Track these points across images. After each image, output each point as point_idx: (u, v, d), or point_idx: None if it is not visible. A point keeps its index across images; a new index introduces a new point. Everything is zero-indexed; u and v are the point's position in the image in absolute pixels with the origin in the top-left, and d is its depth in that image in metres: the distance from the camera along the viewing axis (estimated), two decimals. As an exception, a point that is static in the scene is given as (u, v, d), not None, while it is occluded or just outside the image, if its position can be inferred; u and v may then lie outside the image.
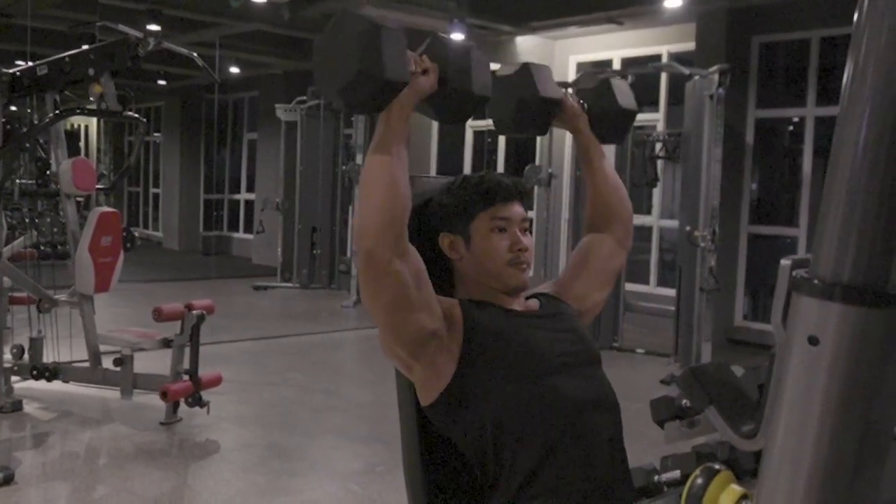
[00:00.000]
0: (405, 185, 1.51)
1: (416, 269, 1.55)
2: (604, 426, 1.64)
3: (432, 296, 1.60)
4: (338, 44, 1.43)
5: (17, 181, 5.38)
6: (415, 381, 1.66)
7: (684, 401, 1.56)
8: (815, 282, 0.98)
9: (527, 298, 1.81)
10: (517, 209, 1.75)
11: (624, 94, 1.98)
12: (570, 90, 2.01)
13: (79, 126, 16.57)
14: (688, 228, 6.66)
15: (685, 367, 6.54)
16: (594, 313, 1.94)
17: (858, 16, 0.97)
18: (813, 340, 0.98)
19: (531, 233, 1.81)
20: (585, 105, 1.97)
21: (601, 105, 1.97)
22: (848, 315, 0.96)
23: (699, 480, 1.19)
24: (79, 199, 5.40)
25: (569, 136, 8.95)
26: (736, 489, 1.19)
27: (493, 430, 1.57)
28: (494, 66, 1.78)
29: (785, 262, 1.04)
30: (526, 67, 1.84)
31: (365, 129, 10.64)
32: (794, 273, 1.02)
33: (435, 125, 11.45)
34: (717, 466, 1.22)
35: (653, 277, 9.14)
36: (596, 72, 2.12)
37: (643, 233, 9.13)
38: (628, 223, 1.99)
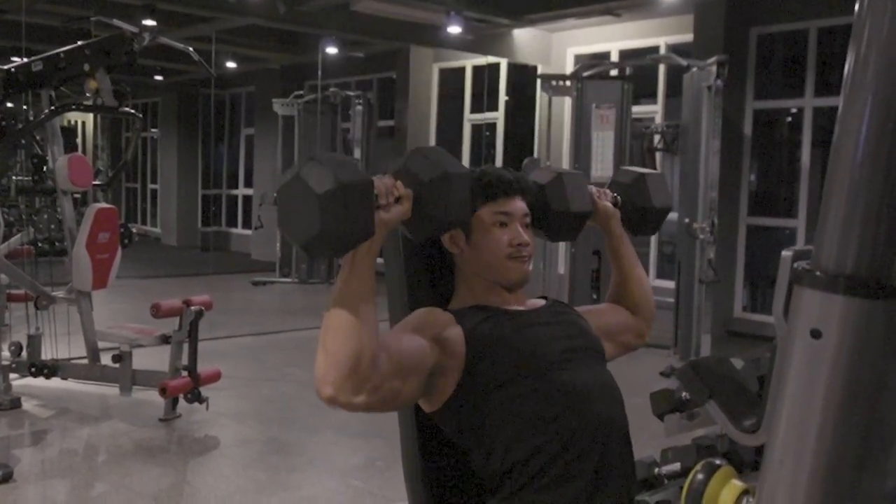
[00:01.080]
0: (370, 334, 1.39)
1: (393, 372, 1.45)
2: (611, 418, 1.63)
3: (419, 351, 1.53)
4: (300, 196, 1.34)
5: (14, 178, 5.37)
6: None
7: (684, 393, 1.55)
8: (818, 274, 0.97)
9: (534, 299, 1.80)
10: (518, 204, 1.73)
11: (659, 190, 1.95)
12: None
13: (75, 122, 16.52)
14: (686, 220, 6.65)
15: (685, 359, 6.54)
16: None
17: (860, 6, 0.96)
18: (815, 333, 0.97)
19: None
20: (618, 200, 1.95)
21: (635, 202, 1.94)
22: (851, 307, 0.95)
23: (700, 476, 1.18)
24: (76, 195, 5.38)
25: (567, 130, 8.92)
26: (737, 485, 1.18)
27: (499, 429, 1.57)
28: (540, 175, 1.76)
29: (786, 253, 1.03)
30: (559, 179, 1.80)
31: (362, 124, 10.64)
32: (795, 265, 1.01)
33: (433, 118, 11.45)
34: (717, 461, 1.21)
35: (652, 269, 9.13)
36: (632, 169, 2.11)
37: (642, 225, 9.11)
38: (651, 321, 2.00)
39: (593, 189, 1.92)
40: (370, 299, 1.42)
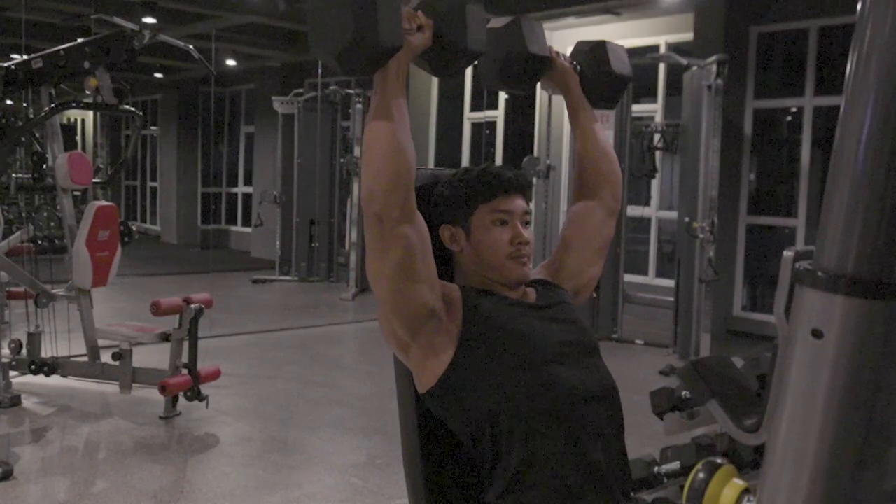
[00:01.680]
0: (408, 144, 1.51)
1: (422, 237, 1.56)
2: (602, 416, 1.63)
3: (435, 272, 1.60)
4: (332, 8, 1.42)
5: (14, 175, 5.37)
6: (412, 366, 1.65)
7: (684, 392, 1.55)
8: (819, 274, 0.97)
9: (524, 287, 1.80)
10: (519, 202, 1.74)
11: (619, 58, 1.96)
12: (562, 51, 1.99)
13: (75, 120, 16.52)
14: (686, 219, 6.65)
15: (684, 358, 6.55)
16: (590, 289, 1.93)
17: (862, 7, 0.96)
18: (817, 333, 0.97)
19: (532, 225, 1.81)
20: (578, 66, 1.96)
21: (594, 68, 1.95)
22: (852, 307, 0.95)
23: (701, 475, 1.19)
24: (75, 193, 5.38)
25: (567, 128, 8.92)
26: (738, 483, 1.18)
27: (490, 417, 1.57)
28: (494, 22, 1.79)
29: (788, 253, 1.03)
30: (517, 21, 1.83)
31: (362, 122, 10.63)
32: (797, 265, 1.01)
33: (433, 117, 11.44)
34: (719, 461, 1.21)
35: (652, 268, 9.14)
36: (590, 40, 2.13)
37: (642, 224, 9.12)
38: (617, 187, 1.98)
39: (551, 47, 1.92)
40: (404, 119, 1.52)
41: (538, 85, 1.97)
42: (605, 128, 7.12)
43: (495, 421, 1.57)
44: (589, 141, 1.96)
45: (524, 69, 1.84)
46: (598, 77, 1.95)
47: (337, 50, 1.42)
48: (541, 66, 1.87)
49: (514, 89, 1.92)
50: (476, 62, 1.69)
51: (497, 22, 1.85)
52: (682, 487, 1.59)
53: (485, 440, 1.58)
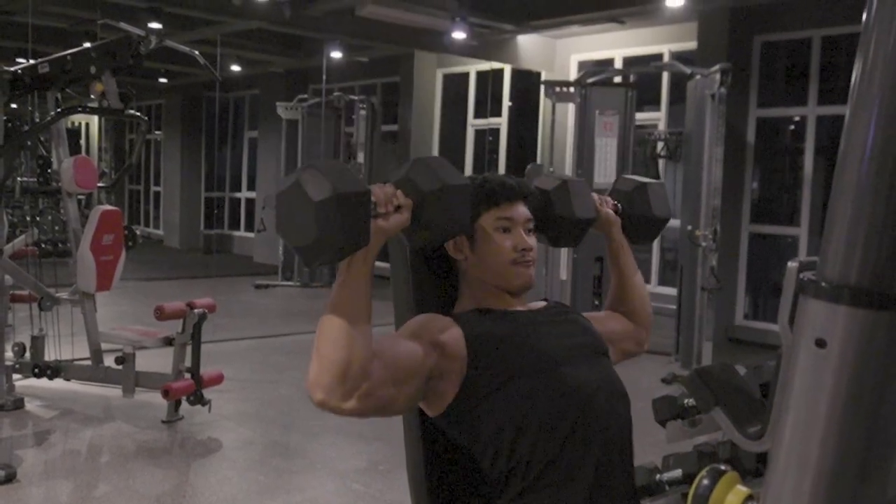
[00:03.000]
0: (362, 341, 1.41)
1: (386, 378, 1.46)
2: (615, 416, 1.65)
3: (414, 361, 1.54)
4: (298, 203, 1.35)
5: (19, 179, 5.38)
6: (422, 405, 1.67)
7: (686, 400, 1.56)
8: (823, 284, 0.98)
9: (536, 301, 1.82)
10: (521, 210, 1.75)
11: (659, 200, 1.99)
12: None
13: (80, 124, 16.55)
14: (689, 228, 6.66)
15: (686, 365, 6.55)
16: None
17: (867, 15, 0.96)
18: (820, 343, 0.98)
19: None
20: (620, 207, 1.99)
21: (636, 211, 1.98)
22: (855, 317, 0.96)
23: (705, 481, 1.19)
24: (80, 197, 5.39)
25: (570, 136, 8.91)
26: (742, 490, 1.19)
27: (505, 429, 1.58)
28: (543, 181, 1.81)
29: (792, 264, 1.04)
30: (564, 186, 1.84)
31: (366, 128, 10.66)
32: (801, 275, 1.02)
33: (437, 123, 11.46)
34: (723, 467, 1.22)
35: (654, 276, 9.14)
36: (632, 178, 2.15)
37: (644, 232, 9.11)
38: (649, 327, 2.05)
39: (595, 196, 1.95)
40: (365, 308, 1.44)
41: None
42: (608, 136, 7.14)
43: (509, 433, 1.57)
44: (627, 286, 2.02)
45: (573, 230, 1.87)
46: (640, 220, 1.99)
47: (300, 244, 1.37)
48: (588, 225, 1.90)
49: (562, 245, 1.96)
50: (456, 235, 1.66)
51: (545, 182, 1.85)
52: (684, 495, 1.60)
53: (502, 449, 1.58)
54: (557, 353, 1.65)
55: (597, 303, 7.16)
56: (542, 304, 1.82)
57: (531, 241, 1.74)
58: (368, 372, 1.42)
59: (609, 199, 2.00)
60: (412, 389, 1.54)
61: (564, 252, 7.68)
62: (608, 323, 1.96)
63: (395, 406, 1.53)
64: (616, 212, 1.97)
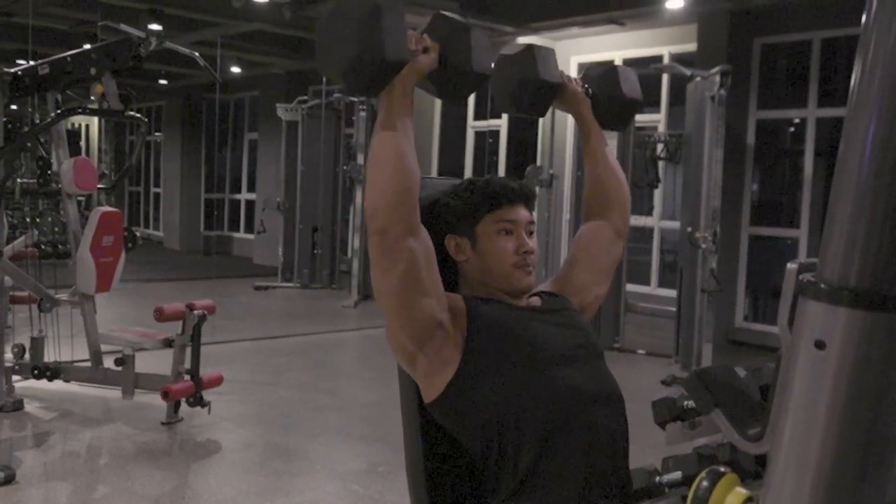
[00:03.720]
0: (413, 161, 1.53)
1: (427, 251, 1.57)
2: (608, 419, 1.65)
3: (440, 284, 1.61)
4: (338, 25, 1.45)
5: (19, 180, 5.37)
6: (418, 377, 1.66)
7: (686, 402, 1.56)
8: (822, 286, 0.98)
9: (528, 297, 1.82)
10: (523, 212, 1.76)
11: (629, 82, 2.00)
12: (575, 75, 2.04)
13: (80, 125, 16.56)
14: (689, 229, 6.66)
15: (686, 367, 6.55)
16: (595, 307, 1.95)
17: (867, 17, 0.97)
18: (819, 344, 0.98)
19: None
20: (590, 90, 2.00)
21: (605, 92, 1.99)
22: (854, 319, 0.96)
23: (704, 483, 1.19)
24: (80, 198, 5.40)
25: (570, 138, 8.94)
26: (741, 492, 1.19)
27: (497, 421, 1.58)
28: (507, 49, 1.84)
29: (791, 265, 1.04)
30: (529, 49, 1.87)
31: (366, 129, 10.66)
32: (800, 277, 1.02)
33: (436, 127, 11.47)
34: (722, 469, 1.22)
35: (654, 278, 9.14)
36: (605, 63, 2.21)
37: (644, 234, 9.13)
38: (626, 210, 2.01)
39: (563, 72, 1.97)
40: (410, 138, 1.54)
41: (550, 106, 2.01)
42: (608, 138, 7.14)
43: (503, 426, 1.58)
44: (599, 164, 2.00)
45: (536, 95, 1.88)
46: (609, 101, 1.99)
47: (343, 66, 1.45)
48: (553, 91, 1.91)
49: (527, 114, 1.96)
50: (482, 86, 1.71)
51: (510, 49, 1.89)
52: (683, 497, 1.60)
53: (492, 447, 1.59)
54: (552, 354, 1.66)
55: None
56: (538, 300, 1.82)
57: (532, 243, 1.75)
58: (417, 207, 1.54)
59: (578, 80, 2.01)
60: (435, 299, 1.59)
61: (564, 248, 7.69)
62: (585, 252, 1.94)
63: (421, 285, 1.56)
64: (587, 94, 1.99)
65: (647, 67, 7.98)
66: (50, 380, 5.13)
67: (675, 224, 8.22)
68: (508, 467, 1.58)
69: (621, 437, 1.67)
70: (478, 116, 11.05)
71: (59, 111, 5.12)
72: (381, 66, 1.46)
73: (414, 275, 1.54)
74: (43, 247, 5.53)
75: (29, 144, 5.24)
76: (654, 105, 9.18)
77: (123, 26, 5.17)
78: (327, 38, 1.48)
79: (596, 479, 1.58)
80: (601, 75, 2.01)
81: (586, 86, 2.00)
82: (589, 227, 1.98)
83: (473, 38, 1.60)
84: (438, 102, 11.50)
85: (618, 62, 9.34)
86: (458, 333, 1.62)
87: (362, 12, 1.43)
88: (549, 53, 1.90)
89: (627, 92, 1.99)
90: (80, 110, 5.61)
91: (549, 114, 8.54)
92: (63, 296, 5.25)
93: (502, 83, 1.85)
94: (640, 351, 7.36)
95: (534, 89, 1.86)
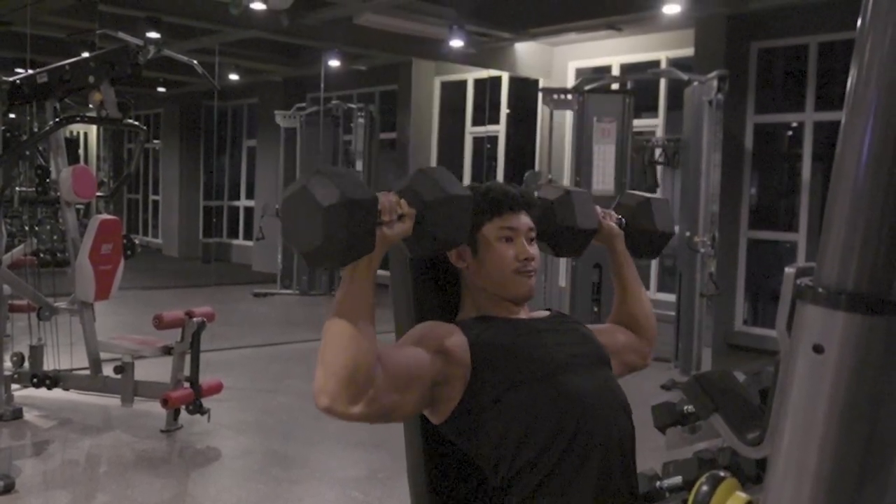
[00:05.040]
0: (367, 347, 1.42)
1: (390, 384, 1.47)
2: (617, 424, 1.65)
3: (418, 367, 1.55)
4: (305, 208, 1.37)
5: (17, 189, 5.38)
6: (426, 412, 1.67)
7: (686, 407, 1.56)
8: (820, 290, 0.98)
9: (538, 311, 1.83)
10: (524, 219, 1.76)
11: (662, 215, 2.01)
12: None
13: (78, 133, 16.56)
14: (687, 234, 6.66)
15: (685, 372, 6.54)
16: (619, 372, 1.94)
17: (862, 22, 0.97)
18: (818, 348, 0.98)
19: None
20: (623, 221, 2.00)
21: (639, 225, 2.00)
22: (852, 323, 0.96)
23: (704, 488, 1.19)
24: (79, 206, 5.39)
25: (568, 143, 8.91)
26: (741, 496, 1.19)
27: (507, 436, 1.58)
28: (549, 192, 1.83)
29: (790, 270, 1.04)
30: (568, 197, 1.86)
31: (364, 136, 10.67)
32: (798, 281, 1.02)
33: (435, 131, 11.48)
34: (722, 473, 1.22)
35: (653, 283, 9.14)
36: (637, 193, 2.20)
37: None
38: (653, 341, 2.04)
39: (599, 209, 1.96)
40: (368, 313, 1.45)
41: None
42: (606, 142, 7.16)
43: (512, 440, 1.58)
44: (630, 299, 2.01)
45: (574, 240, 1.88)
46: (643, 234, 2.00)
47: (306, 249, 1.39)
48: (591, 235, 1.91)
49: (565, 255, 1.98)
50: (456, 247, 1.68)
51: (548, 192, 1.88)
52: (684, 502, 1.60)
53: (503, 460, 1.59)
54: (559, 362, 1.66)
55: (595, 309, 7.16)
56: (545, 313, 1.83)
57: (533, 250, 1.75)
58: (373, 378, 1.42)
59: (612, 212, 2.01)
60: (417, 395, 1.55)
61: (563, 259, 7.68)
62: (611, 335, 1.95)
63: (400, 412, 1.54)
64: (619, 225, 1.99)
65: (644, 72, 8.00)
66: (49, 388, 5.12)
67: (674, 228, 8.22)
68: (519, 477, 1.58)
69: (630, 442, 1.67)
70: (476, 122, 11.06)
71: (57, 119, 5.12)
72: (346, 255, 1.40)
73: (385, 412, 1.48)
74: (42, 255, 5.53)
75: (27, 153, 5.24)
76: (651, 110, 9.19)
77: (122, 34, 5.18)
78: (293, 216, 1.40)
79: (608, 484, 1.59)
80: (635, 208, 2.02)
81: (620, 217, 2.00)
82: (620, 330, 2.00)
83: (454, 206, 1.53)
84: (437, 108, 11.52)
85: (615, 67, 9.36)
86: (459, 368, 1.61)
87: (329, 203, 1.34)
88: (586, 198, 1.90)
89: (661, 226, 2.00)
90: (78, 118, 5.61)
91: (546, 119, 8.45)
92: (62, 304, 5.25)
93: (540, 223, 1.81)
94: (640, 355, 7.34)
95: (573, 236, 1.87)
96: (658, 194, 8.74)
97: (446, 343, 1.61)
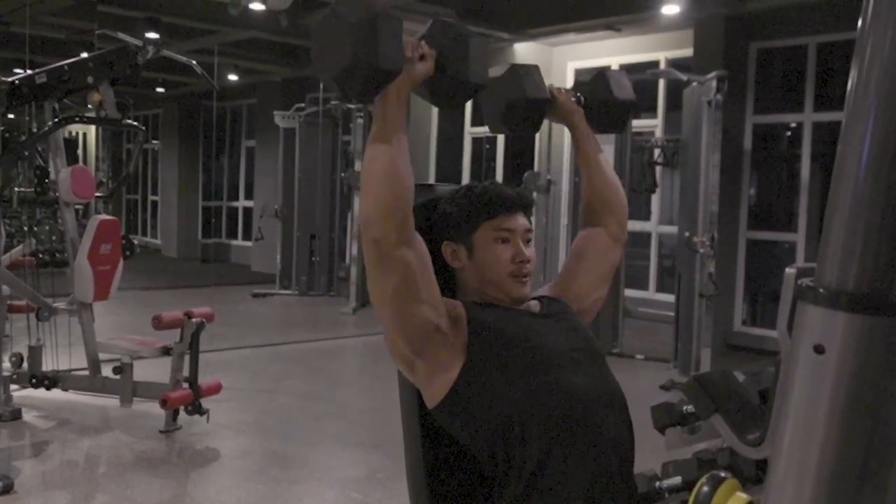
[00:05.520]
0: (407, 171, 1.52)
1: (422, 258, 1.57)
2: (612, 420, 1.65)
3: (437, 290, 1.61)
4: (334, 30, 1.45)
5: (16, 189, 5.37)
6: (419, 383, 1.66)
7: (685, 407, 1.56)
8: (821, 290, 0.98)
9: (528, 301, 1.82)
10: (520, 220, 1.76)
11: (620, 85, 2.00)
12: (571, 82, 2.05)
13: (77, 133, 16.55)
14: (687, 234, 6.66)
15: (684, 372, 6.54)
16: (593, 312, 1.95)
17: (862, 24, 0.97)
18: (819, 349, 0.98)
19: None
20: (582, 99, 1.99)
21: (597, 98, 1.99)
22: (853, 323, 0.96)
23: (705, 488, 1.19)
24: (78, 206, 5.39)
25: (568, 143, 8.94)
26: (742, 497, 1.19)
27: (502, 425, 1.58)
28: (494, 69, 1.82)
29: (790, 270, 1.04)
30: (513, 69, 1.86)
31: (363, 136, 10.66)
32: (799, 282, 1.02)
33: (434, 131, 11.48)
34: (722, 474, 1.22)
35: (652, 283, 9.14)
36: (590, 68, 2.22)
37: (642, 239, 9.13)
38: (622, 216, 2.00)
39: (552, 85, 1.96)
40: (404, 146, 1.53)
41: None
42: (604, 143, 7.15)
43: (508, 429, 1.58)
44: (594, 172, 1.99)
45: (527, 114, 1.88)
46: (602, 106, 1.99)
47: (336, 72, 1.44)
48: (543, 107, 1.91)
49: (523, 132, 1.97)
50: (477, 95, 1.71)
51: (495, 71, 1.88)
52: (684, 502, 1.60)
53: (499, 450, 1.59)
54: (555, 356, 1.66)
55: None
56: (537, 305, 1.82)
57: (530, 252, 1.75)
58: (409, 212, 1.52)
59: (568, 89, 2.00)
60: (430, 300, 1.58)
61: (562, 253, 7.69)
62: (582, 259, 1.94)
63: (416, 293, 1.56)
64: (579, 103, 1.98)
65: (643, 73, 8.01)
66: (48, 389, 5.12)
67: (673, 229, 8.22)
68: (515, 470, 1.58)
69: (626, 438, 1.67)
70: (475, 122, 11.06)
71: (56, 120, 5.12)
72: (376, 74, 1.45)
73: (409, 283, 1.54)
74: (41, 255, 5.53)
75: (26, 153, 5.24)
76: (650, 110, 9.20)
77: (121, 35, 5.18)
78: (323, 43, 1.48)
79: (602, 480, 1.58)
80: (591, 81, 2.01)
81: (578, 94, 1.99)
82: (586, 234, 1.98)
83: (472, 47, 1.59)
84: (436, 109, 11.51)
85: (615, 68, 9.37)
86: (459, 339, 1.62)
87: (358, 19, 1.42)
88: (534, 70, 1.90)
89: (619, 95, 1.98)
90: (77, 119, 5.61)
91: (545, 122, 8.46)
92: (61, 304, 5.24)
93: (491, 106, 1.85)
94: (639, 356, 7.36)
95: (523, 109, 1.86)
96: (656, 195, 8.79)
97: (452, 308, 1.65)
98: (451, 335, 1.62)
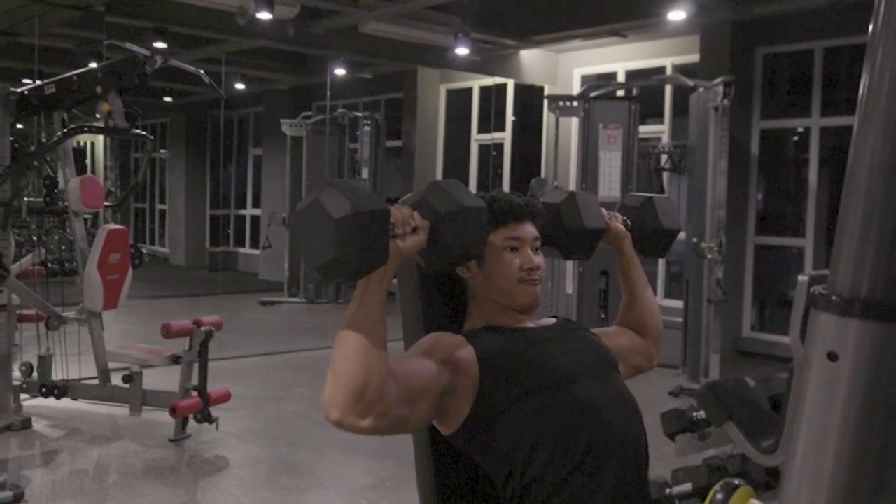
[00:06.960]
0: (375, 361, 1.41)
1: (400, 398, 1.47)
2: (630, 431, 1.65)
3: (424, 373, 1.55)
4: (318, 220, 1.35)
5: (26, 199, 5.40)
6: (434, 423, 1.67)
7: (695, 414, 1.56)
8: (834, 298, 0.98)
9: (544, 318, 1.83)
10: (529, 229, 1.76)
11: (667, 213, 2.02)
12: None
13: (85, 143, 16.61)
14: (694, 240, 6.65)
15: (693, 378, 6.52)
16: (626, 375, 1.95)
17: (873, 29, 0.97)
18: (832, 356, 0.98)
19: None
20: (629, 222, 2.01)
21: (645, 224, 2.01)
22: (867, 330, 0.96)
23: (719, 496, 1.19)
24: (87, 216, 5.41)
25: (574, 150, 8.92)
26: (756, 504, 1.18)
27: (522, 446, 1.58)
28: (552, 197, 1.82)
29: (803, 278, 1.04)
30: (572, 198, 1.85)
31: (370, 144, 10.69)
32: (812, 289, 1.02)
33: (441, 138, 11.49)
34: (736, 481, 1.22)
35: (660, 289, 9.12)
36: (638, 194, 2.21)
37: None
38: (657, 338, 2.05)
39: (605, 211, 1.96)
40: (380, 328, 1.44)
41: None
42: (612, 149, 7.16)
43: (529, 449, 1.57)
44: (637, 300, 2.02)
45: (584, 241, 1.88)
46: (650, 233, 2.01)
47: (318, 263, 1.37)
48: (599, 236, 1.91)
49: (575, 258, 1.98)
50: (469, 259, 1.67)
51: (552, 196, 1.87)
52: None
53: (517, 466, 1.58)
54: (568, 370, 1.66)
55: (603, 316, 7.14)
56: (552, 321, 1.83)
57: (539, 259, 1.75)
58: (383, 392, 1.42)
59: (618, 214, 2.02)
60: (426, 407, 1.55)
61: (570, 266, 7.68)
62: (617, 338, 1.96)
63: (410, 423, 1.54)
64: (626, 227, 1.99)
65: (649, 79, 8.01)
66: (58, 398, 5.13)
67: (681, 235, 8.20)
68: (534, 488, 1.57)
69: (642, 448, 1.68)
70: (482, 129, 11.07)
71: (65, 130, 5.15)
72: (360, 268, 1.38)
73: (394, 424, 1.48)
74: (50, 265, 5.55)
75: (35, 163, 5.27)
76: (657, 116, 9.19)
77: (129, 45, 5.20)
78: (305, 228, 1.38)
79: (623, 491, 1.58)
80: (639, 207, 2.02)
81: (626, 219, 2.01)
82: (626, 332, 2.01)
83: (467, 218, 1.52)
84: (443, 115, 11.53)
85: (621, 74, 9.37)
86: (468, 379, 1.61)
87: (341, 215, 1.32)
88: (592, 199, 1.90)
89: (666, 223, 2.01)
90: (86, 129, 5.64)
91: (552, 126, 8.45)
92: (70, 313, 5.26)
93: (547, 228, 1.81)
94: (648, 362, 7.32)
95: (581, 237, 1.86)
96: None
97: (454, 354, 1.61)
98: (458, 382, 1.60)
